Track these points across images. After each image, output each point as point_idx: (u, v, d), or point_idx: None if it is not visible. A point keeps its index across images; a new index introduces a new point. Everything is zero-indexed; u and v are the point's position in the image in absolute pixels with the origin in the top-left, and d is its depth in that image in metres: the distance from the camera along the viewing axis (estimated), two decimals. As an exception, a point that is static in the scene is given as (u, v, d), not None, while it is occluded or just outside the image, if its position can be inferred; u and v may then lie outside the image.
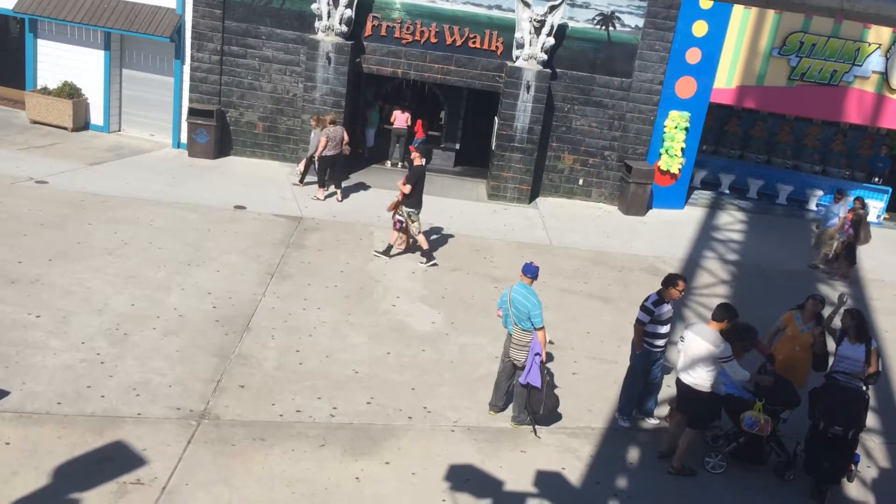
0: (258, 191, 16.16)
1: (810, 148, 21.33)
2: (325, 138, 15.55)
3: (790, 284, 14.71)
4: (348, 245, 13.98)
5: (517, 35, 17.14)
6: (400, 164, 19.41)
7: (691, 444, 8.50)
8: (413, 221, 13.32)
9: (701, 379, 8.28)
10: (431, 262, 13.47)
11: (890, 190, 20.45)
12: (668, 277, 9.17)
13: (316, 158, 15.93)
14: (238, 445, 8.07)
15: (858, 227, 15.43)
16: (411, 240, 13.85)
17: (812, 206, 20.34)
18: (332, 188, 16.34)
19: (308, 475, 7.74)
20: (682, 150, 18.18)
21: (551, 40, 17.06)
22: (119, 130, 18.85)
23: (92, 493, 7.05)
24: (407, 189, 13.05)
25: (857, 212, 15.49)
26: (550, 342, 9.35)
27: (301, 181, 16.74)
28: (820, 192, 20.42)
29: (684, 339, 8.52)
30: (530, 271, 8.95)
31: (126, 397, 8.61)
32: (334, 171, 16.18)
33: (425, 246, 13.48)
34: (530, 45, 17.05)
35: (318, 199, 16.08)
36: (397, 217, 13.43)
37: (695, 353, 8.28)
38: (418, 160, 13.29)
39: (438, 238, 14.95)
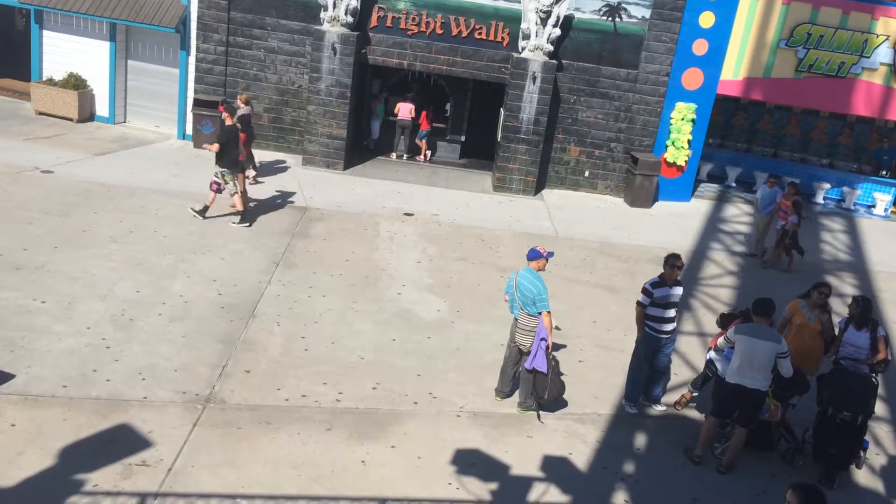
0: (263, 181, 16.13)
1: (817, 141, 21.25)
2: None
3: (796, 275, 14.65)
4: (353, 234, 13.95)
5: (523, 26, 17.09)
6: (405, 156, 19.37)
7: (743, 441, 8.40)
8: (227, 182, 13.37)
9: (765, 380, 8.12)
10: (244, 224, 13.53)
11: (898, 183, 20.39)
12: (665, 258, 9.17)
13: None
14: (244, 429, 8.04)
15: (800, 213, 14.80)
16: (249, 202, 14.12)
17: (819, 199, 20.25)
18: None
19: (314, 458, 7.70)
20: (689, 142, 18.12)
21: (557, 31, 17.00)
22: (124, 122, 18.86)
23: (97, 474, 7.03)
24: (215, 148, 13.14)
25: (795, 197, 14.80)
26: (556, 328, 9.30)
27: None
28: (827, 185, 20.36)
29: (736, 342, 8.17)
30: (536, 256, 8.91)
31: (131, 381, 8.58)
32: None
33: (240, 207, 13.58)
34: (536, 35, 17.00)
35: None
36: (213, 178, 13.48)
37: (759, 356, 8.01)
38: (229, 120, 13.50)
39: (443, 229, 14.92)
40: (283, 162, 17.75)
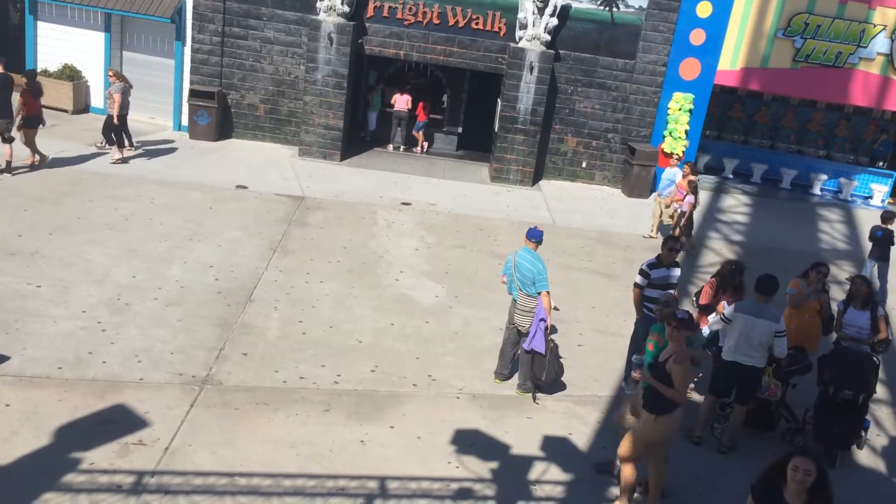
0: (259, 171, 16.06)
1: (814, 133, 21.24)
2: (120, 95, 14.92)
3: (795, 263, 14.51)
4: (351, 223, 13.88)
5: (520, 16, 17.02)
6: (402, 147, 19.30)
7: (742, 419, 8.38)
8: None
9: (762, 357, 8.11)
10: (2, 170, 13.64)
11: (894, 174, 20.35)
12: (663, 240, 9.24)
13: (116, 118, 15.06)
14: (241, 409, 7.98)
15: (696, 194, 14.39)
16: (36, 156, 14.19)
17: (816, 190, 20.23)
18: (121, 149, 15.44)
19: (313, 438, 7.65)
20: (686, 132, 18.07)
21: (554, 21, 16.95)
22: (120, 113, 18.72)
23: (94, 453, 6.96)
24: None
25: (690, 178, 14.42)
26: (555, 308, 9.23)
27: (129, 145, 15.73)
28: (824, 177, 20.32)
29: (734, 320, 8.15)
30: (535, 236, 8.87)
31: (128, 363, 8.52)
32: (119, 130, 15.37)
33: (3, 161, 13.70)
34: (533, 25, 16.94)
35: (121, 160, 15.21)
36: None
37: (757, 335, 8.00)
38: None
39: (441, 218, 14.86)
40: (277, 153, 17.69)
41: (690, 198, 14.23)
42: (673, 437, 7.10)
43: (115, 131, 15.25)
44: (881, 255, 13.37)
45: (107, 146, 15.59)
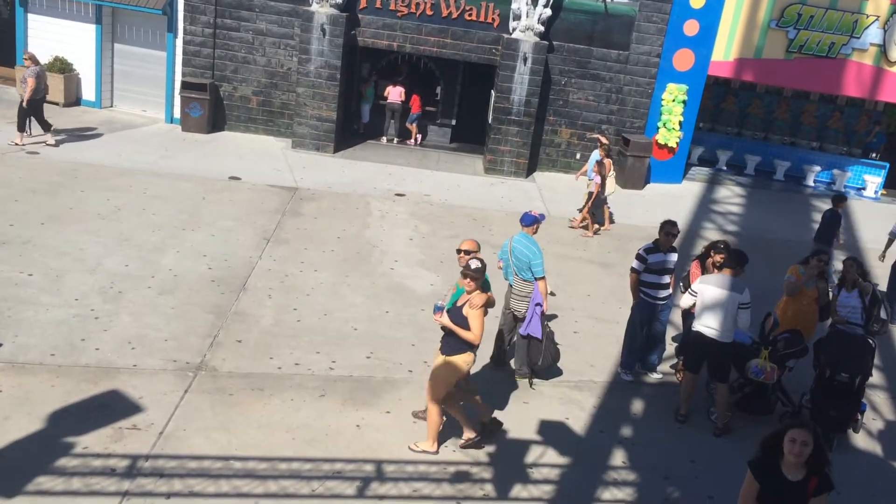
0: (253, 163, 16.00)
1: (807, 125, 21.27)
2: (34, 79, 14.63)
3: (790, 252, 14.58)
4: (345, 213, 13.83)
5: (514, 6, 16.98)
6: (396, 139, 19.25)
7: (727, 398, 8.36)
8: None
9: (726, 331, 8.10)
10: None
11: (887, 165, 20.40)
12: (660, 224, 9.21)
13: (26, 102, 14.72)
14: (236, 395, 7.92)
15: (604, 175, 14.28)
16: None
17: (809, 181, 20.27)
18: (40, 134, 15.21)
19: (308, 422, 7.60)
20: (680, 123, 18.06)
21: (548, 11, 16.91)
22: (111, 106, 18.63)
23: (87, 438, 6.90)
24: None
25: (603, 159, 14.26)
26: (551, 294, 9.22)
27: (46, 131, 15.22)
28: (818, 168, 20.36)
29: (700, 292, 8.19)
30: (525, 220, 8.88)
31: (121, 350, 8.46)
32: (42, 115, 15.16)
33: None
34: (527, 16, 16.90)
35: (16, 143, 14.81)
36: None
37: (722, 305, 8.00)
38: None
39: (435, 209, 14.81)
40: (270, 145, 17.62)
41: (597, 178, 14.21)
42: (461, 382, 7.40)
43: (22, 115, 14.89)
44: (823, 238, 13.21)
45: (41, 132, 15.14)
